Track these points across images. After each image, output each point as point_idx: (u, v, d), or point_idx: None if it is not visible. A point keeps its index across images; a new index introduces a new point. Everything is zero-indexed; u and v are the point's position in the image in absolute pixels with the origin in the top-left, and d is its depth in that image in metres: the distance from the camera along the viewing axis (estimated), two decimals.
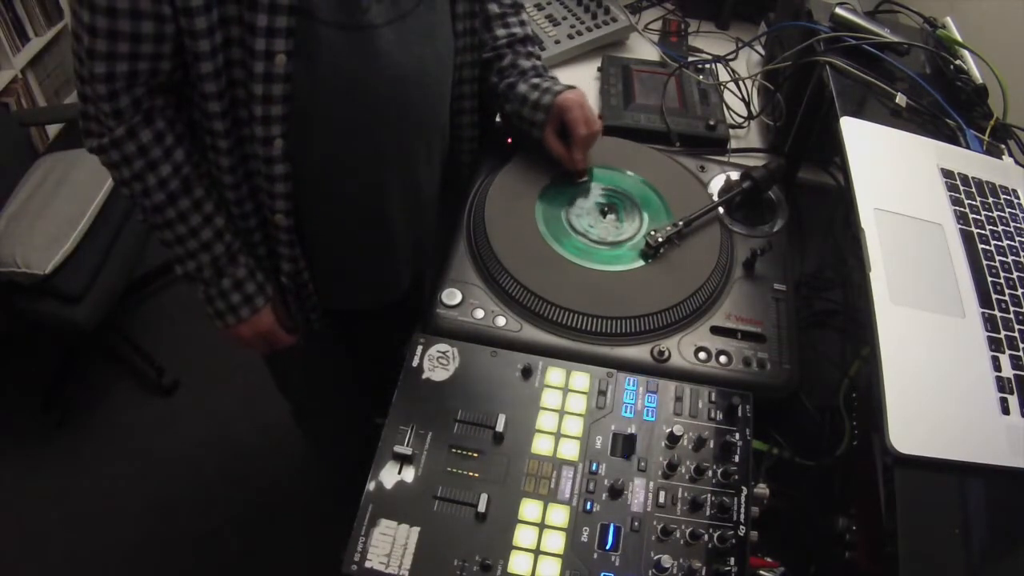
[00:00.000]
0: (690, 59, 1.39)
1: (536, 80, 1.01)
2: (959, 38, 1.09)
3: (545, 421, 0.76)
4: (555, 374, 0.80)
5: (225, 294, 0.95)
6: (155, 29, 0.75)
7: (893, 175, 0.89)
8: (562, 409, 0.77)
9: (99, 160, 0.85)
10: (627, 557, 0.69)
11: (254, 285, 0.96)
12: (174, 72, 0.81)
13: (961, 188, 0.90)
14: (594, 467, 0.74)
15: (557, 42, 1.39)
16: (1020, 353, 0.76)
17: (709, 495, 0.72)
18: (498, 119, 1.12)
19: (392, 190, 0.99)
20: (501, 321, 0.85)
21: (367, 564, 0.67)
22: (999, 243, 0.86)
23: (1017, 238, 0.87)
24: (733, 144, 1.24)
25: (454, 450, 0.73)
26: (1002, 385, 0.73)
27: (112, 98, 0.79)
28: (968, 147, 0.96)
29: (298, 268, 0.99)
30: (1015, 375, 0.73)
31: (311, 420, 1.52)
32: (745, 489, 0.73)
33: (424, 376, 0.79)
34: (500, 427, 0.74)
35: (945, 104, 0.99)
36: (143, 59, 0.77)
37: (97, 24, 0.73)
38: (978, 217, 0.87)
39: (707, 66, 1.36)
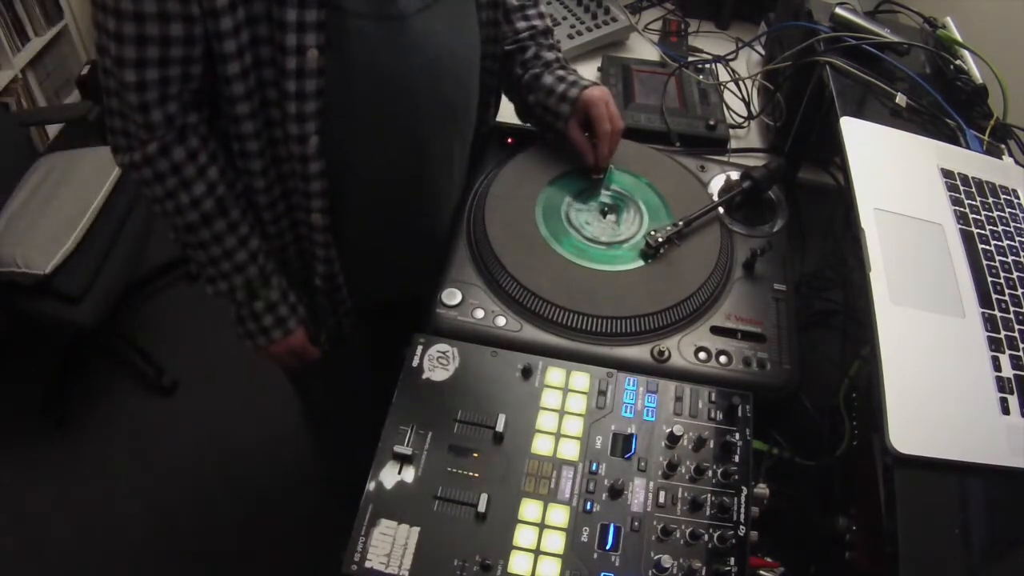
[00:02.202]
0: (690, 59, 1.39)
1: (561, 72, 1.02)
2: (959, 38, 1.09)
3: (545, 421, 0.76)
4: (555, 374, 0.79)
5: (257, 316, 0.94)
6: (184, 31, 0.73)
7: (893, 175, 0.89)
8: (562, 409, 0.77)
9: (132, 176, 0.84)
10: (627, 557, 0.69)
11: (287, 307, 0.95)
12: (204, 77, 0.79)
13: (961, 188, 0.90)
14: (594, 467, 0.74)
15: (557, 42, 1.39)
16: (1020, 353, 0.75)
17: (709, 495, 0.72)
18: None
19: (429, 179, 0.98)
20: (501, 321, 0.85)
21: (367, 564, 0.67)
22: (999, 243, 0.86)
23: (1017, 238, 0.87)
24: (733, 144, 1.24)
25: (454, 450, 0.73)
26: (1002, 385, 0.72)
27: (144, 110, 0.77)
28: (968, 147, 0.96)
29: (332, 269, 0.97)
30: (1015, 375, 0.73)
31: (322, 423, 1.50)
32: (745, 489, 0.73)
33: (424, 376, 0.79)
34: (500, 427, 0.74)
35: (945, 104, 0.99)
36: (173, 64, 0.75)
37: (125, 31, 0.72)
38: (978, 217, 0.87)
39: (707, 66, 1.37)
